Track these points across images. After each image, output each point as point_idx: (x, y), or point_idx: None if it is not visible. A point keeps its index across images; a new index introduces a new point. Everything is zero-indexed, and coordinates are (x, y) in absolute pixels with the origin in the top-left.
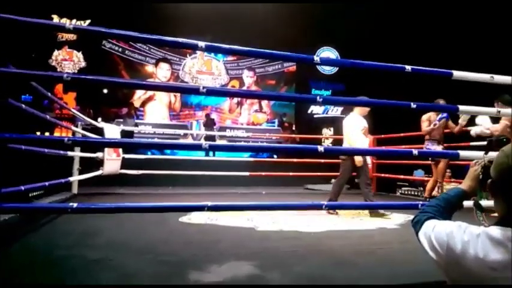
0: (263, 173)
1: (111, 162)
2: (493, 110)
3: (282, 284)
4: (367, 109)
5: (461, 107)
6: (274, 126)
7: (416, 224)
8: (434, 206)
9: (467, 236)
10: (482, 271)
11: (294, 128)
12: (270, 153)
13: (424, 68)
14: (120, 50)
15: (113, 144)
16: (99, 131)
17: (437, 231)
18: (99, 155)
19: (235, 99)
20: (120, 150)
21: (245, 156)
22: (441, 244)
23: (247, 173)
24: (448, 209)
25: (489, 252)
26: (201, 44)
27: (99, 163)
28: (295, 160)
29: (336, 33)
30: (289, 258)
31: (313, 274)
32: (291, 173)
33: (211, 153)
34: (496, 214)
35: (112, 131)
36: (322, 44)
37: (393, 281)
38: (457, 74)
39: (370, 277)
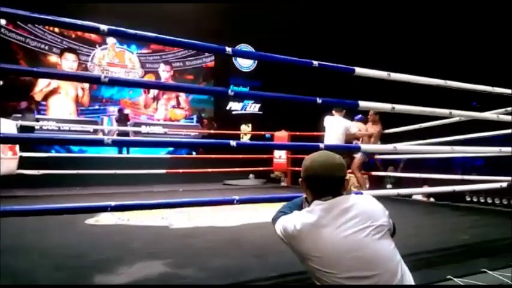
0: (181, 170)
1: (6, 161)
2: (388, 106)
3: (198, 277)
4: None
5: (362, 103)
6: (192, 122)
7: (274, 220)
8: (288, 207)
9: (295, 218)
10: (306, 231)
11: (215, 124)
12: (188, 150)
13: (329, 63)
14: (19, 38)
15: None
16: None
17: (283, 222)
18: None
19: (151, 94)
20: (17, 148)
21: (162, 153)
22: (284, 229)
23: (163, 171)
24: (295, 209)
25: (307, 218)
26: (104, 27)
27: None
28: (213, 156)
29: (254, 33)
30: (205, 253)
31: (229, 266)
32: (209, 169)
33: (124, 150)
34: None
35: (7, 126)
36: (240, 42)
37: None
38: (359, 70)
39: (285, 265)
